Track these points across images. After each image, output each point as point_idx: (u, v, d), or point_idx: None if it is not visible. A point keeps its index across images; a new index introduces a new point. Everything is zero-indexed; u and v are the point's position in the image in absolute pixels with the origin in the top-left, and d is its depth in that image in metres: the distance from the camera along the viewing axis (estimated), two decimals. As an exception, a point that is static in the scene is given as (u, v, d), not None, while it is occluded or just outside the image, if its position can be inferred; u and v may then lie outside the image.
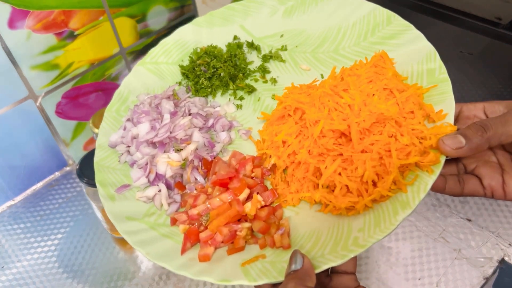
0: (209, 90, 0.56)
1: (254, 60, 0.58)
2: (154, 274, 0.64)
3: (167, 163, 0.46)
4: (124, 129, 0.50)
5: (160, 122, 0.49)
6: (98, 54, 0.74)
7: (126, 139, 0.50)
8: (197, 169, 0.47)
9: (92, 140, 0.81)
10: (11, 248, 0.69)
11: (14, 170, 0.74)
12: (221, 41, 0.60)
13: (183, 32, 0.60)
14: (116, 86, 0.79)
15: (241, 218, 0.42)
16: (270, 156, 0.46)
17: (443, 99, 0.44)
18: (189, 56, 0.58)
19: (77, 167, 0.61)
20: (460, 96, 0.81)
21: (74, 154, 0.80)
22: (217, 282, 0.37)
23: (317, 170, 0.42)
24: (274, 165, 0.45)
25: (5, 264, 0.67)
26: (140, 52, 0.80)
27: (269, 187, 0.45)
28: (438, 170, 0.40)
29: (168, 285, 0.63)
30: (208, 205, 0.42)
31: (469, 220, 0.65)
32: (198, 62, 0.56)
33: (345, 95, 0.43)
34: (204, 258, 0.40)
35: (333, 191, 0.41)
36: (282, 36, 0.59)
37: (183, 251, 0.41)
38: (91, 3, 0.69)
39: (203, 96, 0.55)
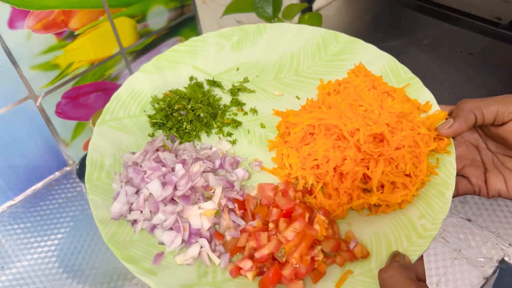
0: (194, 133, 0.54)
1: (222, 96, 0.58)
2: (154, 274, 0.64)
3: (200, 215, 0.43)
4: (126, 194, 0.45)
5: (171, 175, 0.45)
6: (98, 54, 0.74)
7: (136, 204, 0.44)
8: (235, 212, 0.45)
9: (92, 140, 0.81)
10: (11, 248, 0.69)
11: (14, 170, 0.74)
12: (177, 84, 0.58)
13: (135, 82, 0.56)
14: (116, 86, 0.79)
15: (313, 244, 0.40)
16: (303, 178, 0.46)
17: (421, 93, 0.51)
18: (151, 105, 0.55)
19: (77, 167, 0.61)
20: (460, 96, 0.81)
21: (74, 154, 0.80)
22: None
23: (363, 176, 0.45)
24: (311, 186, 0.46)
25: (5, 264, 0.67)
26: (140, 52, 0.80)
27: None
28: (453, 149, 0.46)
29: (168, 285, 0.63)
30: (282, 239, 0.39)
31: (469, 220, 0.65)
32: (175, 107, 0.53)
33: (363, 103, 0.48)
34: None
35: (382, 187, 0.45)
36: (238, 69, 0.60)
37: None
38: (91, 3, 0.69)
39: (190, 141, 0.53)
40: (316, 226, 0.40)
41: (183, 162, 0.46)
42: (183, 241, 0.42)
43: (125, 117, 0.53)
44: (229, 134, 0.55)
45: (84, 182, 0.59)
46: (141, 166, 0.46)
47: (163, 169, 0.45)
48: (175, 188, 0.44)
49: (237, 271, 0.40)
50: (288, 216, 0.42)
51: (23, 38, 0.64)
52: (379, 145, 0.46)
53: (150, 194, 0.44)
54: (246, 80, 0.59)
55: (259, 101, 0.57)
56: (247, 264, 0.39)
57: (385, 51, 0.57)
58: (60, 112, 0.74)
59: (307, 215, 0.41)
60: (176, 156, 0.48)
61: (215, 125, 0.55)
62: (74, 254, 0.68)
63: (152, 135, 0.54)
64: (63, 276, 0.65)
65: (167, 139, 0.51)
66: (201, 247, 0.42)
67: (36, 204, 0.75)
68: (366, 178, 0.45)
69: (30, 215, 0.74)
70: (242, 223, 0.44)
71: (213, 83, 0.59)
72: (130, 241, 0.43)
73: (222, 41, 0.60)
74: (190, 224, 0.42)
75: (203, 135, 0.55)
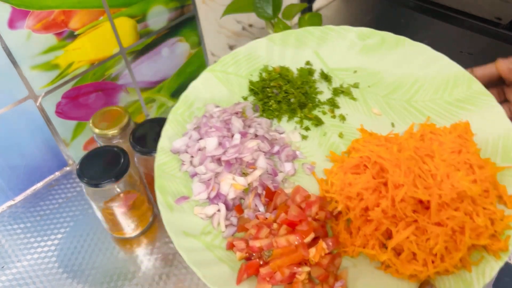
0: (276, 113, 0.54)
1: (324, 91, 0.56)
2: (154, 274, 0.64)
3: (231, 184, 0.45)
4: (190, 137, 0.49)
5: (230, 139, 0.48)
6: (98, 54, 0.74)
7: (191, 149, 0.48)
8: (260, 197, 0.46)
9: (92, 140, 0.81)
10: (11, 248, 0.69)
11: (14, 170, 0.74)
12: (292, 63, 0.57)
13: (256, 46, 0.57)
14: (116, 86, 0.79)
15: (302, 261, 0.41)
16: (337, 202, 0.45)
17: None
18: (259, 72, 0.56)
19: (77, 167, 0.61)
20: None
21: (74, 154, 0.80)
22: None
23: (388, 231, 0.42)
24: (339, 212, 0.45)
25: (5, 264, 0.67)
26: (140, 52, 0.80)
27: (329, 230, 0.45)
28: (505, 257, 0.41)
29: (168, 285, 0.63)
30: (274, 243, 0.41)
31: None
32: (271, 83, 0.54)
33: (429, 163, 0.43)
34: None
35: (399, 254, 0.41)
36: (355, 72, 0.57)
37: (239, 281, 0.40)
38: (91, 3, 0.69)
39: (269, 118, 0.54)
40: (313, 250, 0.41)
41: (243, 134, 0.48)
42: (208, 197, 0.45)
43: (232, 73, 0.55)
44: (306, 128, 0.53)
45: (84, 182, 0.59)
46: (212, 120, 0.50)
47: (225, 131, 0.48)
48: (225, 152, 0.47)
49: (231, 246, 0.42)
50: (293, 226, 0.42)
51: (23, 38, 0.65)
52: (421, 211, 0.42)
53: (205, 147, 0.47)
54: (356, 85, 0.56)
55: (354, 111, 0.55)
56: (241, 245, 0.42)
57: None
58: (60, 112, 0.74)
59: (311, 234, 0.41)
60: (249, 126, 0.50)
61: (298, 114, 0.54)
62: (74, 254, 0.68)
63: (245, 99, 0.55)
64: (63, 276, 0.65)
65: (252, 107, 0.53)
66: (218, 210, 0.45)
67: (36, 204, 0.75)
68: (389, 234, 0.43)
69: (30, 215, 0.74)
70: (262, 209, 0.46)
71: (325, 76, 0.57)
72: (172, 175, 0.47)
73: (356, 39, 0.57)
74: (219, 188, 0.45)
75: (284, 118, 0.54)
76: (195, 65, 0.92)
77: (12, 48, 0.64)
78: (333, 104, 0.55)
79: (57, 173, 0.80)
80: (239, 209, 0.46)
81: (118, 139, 0.68)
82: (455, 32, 0.95)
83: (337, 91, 0.56)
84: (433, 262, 0.40)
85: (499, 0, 0.92)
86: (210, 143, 0.47)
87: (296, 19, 0.78)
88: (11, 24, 0.63)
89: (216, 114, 0.50)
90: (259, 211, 0.46)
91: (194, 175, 0.47)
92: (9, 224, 0.73)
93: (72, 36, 0.70)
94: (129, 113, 0.69)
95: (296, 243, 0.41)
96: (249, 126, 0.50)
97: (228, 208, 0.46)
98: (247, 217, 0.45)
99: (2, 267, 0.67)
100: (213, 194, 0.46)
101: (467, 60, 0.88)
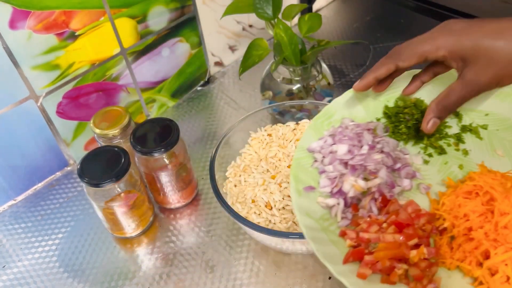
0: (404, 137, 0.59)
1: (452, 126, 0.60)
2: (155, 274, 0.64)
3: (352, 185, 0.52)
4: (325, 141, 0.57)
5: (358, 149, 0.54)
6: (98, 54, 0.74)
7: (324, 150, 0.56)
8: (375, 201, 0.52)
9: (92, 140, 0.81)
10: (12, 248, 0.69)
11: (15, 170, 0.74)
12: (428, 97, 0.60)
13: (398, 79, 0.61)
14: (116, 86, 0.79)
15: (402, 259, 0.46)
16: (444, 220, 0.49)
17: None
18: (396, 100, 0.60)
19: (78, 167, 0.61)
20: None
21: (75, 154, 0.80)
22: None
23: (487, 251, 0.45)
24: (444, 229, 0.49)
25: (6, 263, 0.67)
26: (140, 53, 0.80)
27: (431, 243, 0.49)
28: None
29: (169, 285, 0.63)
30: (381, 237, 0.47)
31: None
32: (404, 110, 0.59)
33: None
34: (361, 276, 0.45)
35: (493, 275, 0.44)
36: (486, 115, 0.59)
37: (345, 261, 0.46)
38: (91, 3, 0.69)
39: (397, 140, 0.59)
40: (413, 252, 0.46)
41: (371, 147, 0.55)
42: (331, 192, 0.53)
43: (371, 97, 0.61)
44: (430, 155, 0.57)
45: (85, 182, 0.60)
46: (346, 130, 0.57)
47: (355, 142, 0.55)
48: (352, 158, 0.54)
49: (343, 234, 0.49)
50: (400, 228, 0.48)
51: (24, 38, 0.65)
52: None
53: (336, 151, 0.55)
54: (484, 127, 0.59)
55: (478, 148, 0.57)
56: (352, 234, 0.48)
57: (384, 51, 0.57)
58: (61, 112, 0.74)
59: (415, 239, 0.47)
60: (378, 142, 0.56)
61: (424, 141, 0.58)
62: (75, 254, 0.68)
63: (378, 120, 0.60)
64: (63, 275, 0.65)
65: (383, 128, 0.59)
66: (337, 204, 0.52)
67: (37, 204, 0.75)
68: (487, 255, 0.46)
69: (31, 214, 0.74)
70: (375, 212, 0.51)
71: (456, 113, 0.60)
72: (305, 169, 0.56)
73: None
74: (342, 186, 0.52)
75: (410, 143, 0.59)
76: (195, 66, 0.92)
77: (13, 49, 0.64)
78: (459, 139, 0.58)
79: (58, 173, 0.80)
80: (355, 207, 0.52)
81: (118, 139, 0.68)
82: (455, 33, 0.95)
83: (465, 128, 0.59)
84: None
85: (498, 1, 0.93)
86: (341, 149, 0.55)
87: (296, 19, 0.78)
88: (12, 24, 0.63)
89: (350, 127, 0.57)
90: (372, 212, 0.51)
91: (322, 172, 0.55)
92: (10, 223, 0.73)
93: (73, 36, 0.70)
94: (130, 113, 0.70)
95: (400, 241, 0.46)
96: (378, 143, 0.56)
97: (346, 204, 0.52)
98: (361, 215, 0.51)
99: (3, 266, 0.67)
100: (335, 190, 0.53)
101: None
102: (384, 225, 0.49)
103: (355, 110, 0.60)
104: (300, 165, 0.56)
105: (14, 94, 0.68)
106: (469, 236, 0.47)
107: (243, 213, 0.62)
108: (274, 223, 0.61)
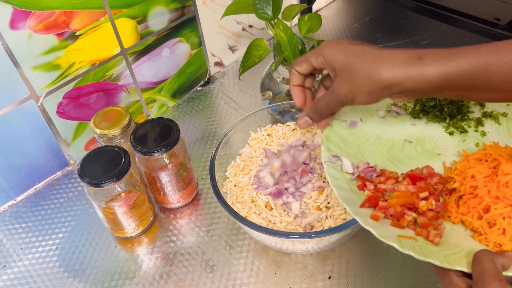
0: (425, 114, 0.64)
1: (474, 111, 0.64)
2: (155, 273, 0.64)
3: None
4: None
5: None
6: (99, 54, 0.74)
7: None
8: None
9: (93, 140, 0.81)
10: (12, 247, 0.70)
11: (16, 170, 0.74)
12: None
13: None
14: (117, 87, 0.79)
15: (413, 208, 0.52)
16: (455, 181, 0.54)
17: None
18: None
19: (78, 166, 0.61)
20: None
21: (75, 154, 0.80)
22: (377, 236, 0.47)
23: (488, 206, 0.49)
24: (453, 189, 0.53)
25: (6, 263, 0.68)
26: (141, 53, 0.80)
27: (440, 200, 0.54)
28: None
29: (169, 284, 0.63)
30: (395, 187, 0.53)
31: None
32: (431, 103, 0.64)
33: None
34: (374, 218, 0.50)
35: (491, 227, 0.48)
36: (508, 105, 0.64)
37: (362, 206, 0.52)
38: (92, 4, 0.70)
39: (418, 116, 0.64)
40: (423, 202, 0.51)
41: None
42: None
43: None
44: (451, 133, 0.62)
45: (85, 182, 0.60)
46: None
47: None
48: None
49: (362, 186, 0.54)
50: (414, 181, 0.54)
51: (25, 38, 0.65)
52: None
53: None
54: (504, 114, 0.63)
55: (495, 131, 0.62)
56: (370, 186, 0.54)
57: (384, 51, 0.57)
58: (62, 112, 0.74)
59: (426, 192, 0.52)
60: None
61: (447, 121, 0.63)
62: (75, 253, 0.68)
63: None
64: (64, 275, 0.65)
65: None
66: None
67: (37, 204, 0.76)
68: (488, 210, 0.49)
69: (31, 214, 0.74)
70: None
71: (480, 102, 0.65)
72: (336, 142, 0.60)
73: None
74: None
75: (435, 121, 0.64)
76: (196, 66, 0.92)
77: (13, 49, 0.64)
78: (479, 122, 0.63)
79: (59, 173, 0.80)
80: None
81: (119, 139, 0.68)
82: (454, 33, 0.96)
83: (486, 114, 0.63)
84: None
85: (498, 1, 0.93)
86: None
87: (296, 20, 0.78)
88: (13, 24, 0.63)
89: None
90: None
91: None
92: (10, 223, 0.73)
93: (73, 36, 0.70)
94: (130, 113, 0.70)
95: (412, 191, 0.52)
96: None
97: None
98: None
99: (4, 266, 0.67)
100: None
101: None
102: (400, 178, 0.55)
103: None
104: (331, 140, 0.60)
105: (15, 94, 0.68)
106: (474, 193, 0.51)
107: (243, 213, 0.62)
108: (274, 223, 0.61)
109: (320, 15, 0.75)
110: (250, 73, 0.81)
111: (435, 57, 0.46)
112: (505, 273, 0.43)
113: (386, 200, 0.52)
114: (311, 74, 0.58)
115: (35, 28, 0.65)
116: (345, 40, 0.58)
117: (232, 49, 0.99)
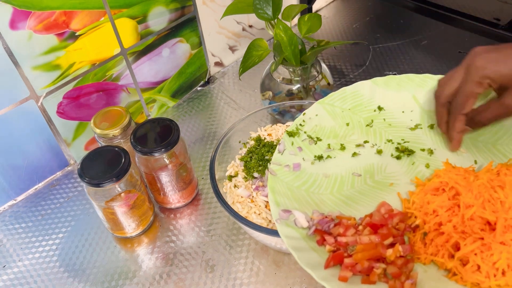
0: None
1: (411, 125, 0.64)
2: (155, 273, 0.64)
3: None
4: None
5: None
6: (99, 54, 0.74)
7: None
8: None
9: (93, 140, 0.81)
10: (12, 247, 0.70)
11: (16, 170, 0.74)
12: (392, 103, 0.66)
13: (360, 86, 0.67)
14: (117, 87, 0.79)
15: (380, 259, 0.49)
16: (416, 217, 0.52)
17: None
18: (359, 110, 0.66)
19: (78, 166, 0.61)
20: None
21: (75, 154, 0.80)
22: None
23: (457, 243, 0.48)
24: (416, 226, 0.51)
25: (6, 263, 0.68)
26: (141, 53, 0.80)
27: (406, 241, 0.51)
28: None
29: (169, 284, 0.63)
30: (358, 240, 0.49)
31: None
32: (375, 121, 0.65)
33: (499, 192, 0.49)
34: (342, 279, 0.47)
35: (464, 265, 0.47)
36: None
37: (327, 266, 0.48)
38: (92, 4, 0.70)
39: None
40: (390, 251, 0.48)
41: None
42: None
43: (338, 106, 0.65)
44: (398, 157, 0.60)
45: (85, 182, 0.60)
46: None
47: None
48: None
49: (321, 241, 0.51)
50: (375, 229, 0.50)
51: (25, 38, 0.65)
52: (488, 231, 0.47)
53: None
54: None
55: (442, 147, 0.61)
56: (330, 240, 0.51)
57: (384, 51, 0.57)
58: (62, 112, 0.75)
59: (390, 238, 0.49)
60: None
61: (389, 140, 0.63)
62: (75, 253, 0.68)
63: (347, 125, 0.65)
64: (64, 275, 0.66)
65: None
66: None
67: (37, 204, 0.76)
68: (458, 247, 0.48)
69: (31, 214, 0.74)
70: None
71: (421, 113, 0.64)
72: (281, 181, 0.58)
73: None
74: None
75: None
76: (196, 66, 0.92)
77: (13, 49, 0.64)
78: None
79: (59, 173, 0.80)
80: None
81: (119, 139, 0.68)
82: (454, 33, 0.96)
83: (431, 126, 0.63)
84: (495, 275, 0.45)
85: (497, 1, 0.93)
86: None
87: (296, 20, 0.78)
88: (13, 24, 0.63)
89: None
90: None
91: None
92: (10, 223, 0.73)
93: (73, 36, 0.70)
94: (130, 113, 0.70)
95: (376, 241, 0.49)
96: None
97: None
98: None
99: (4, 266, 0.67)
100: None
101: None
102: (360, 227, 0.51)
103: (323, 122, 0.64)
104: (278, 180, 0.57)
105: (15, 94, 0.68)
106: (439, 231, 0.49)
107: (243, 213, 0.62)
108: (274, 223, 0.61)
109: (320, 15, 0.75)
110: (250, 73, 0.81)
111: None
112: None
113: (350, 255, 0.49)
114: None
115: (35, 28, 0.65)
116: (478, 50, 0.53)
117: (232, 49, 0.99)
